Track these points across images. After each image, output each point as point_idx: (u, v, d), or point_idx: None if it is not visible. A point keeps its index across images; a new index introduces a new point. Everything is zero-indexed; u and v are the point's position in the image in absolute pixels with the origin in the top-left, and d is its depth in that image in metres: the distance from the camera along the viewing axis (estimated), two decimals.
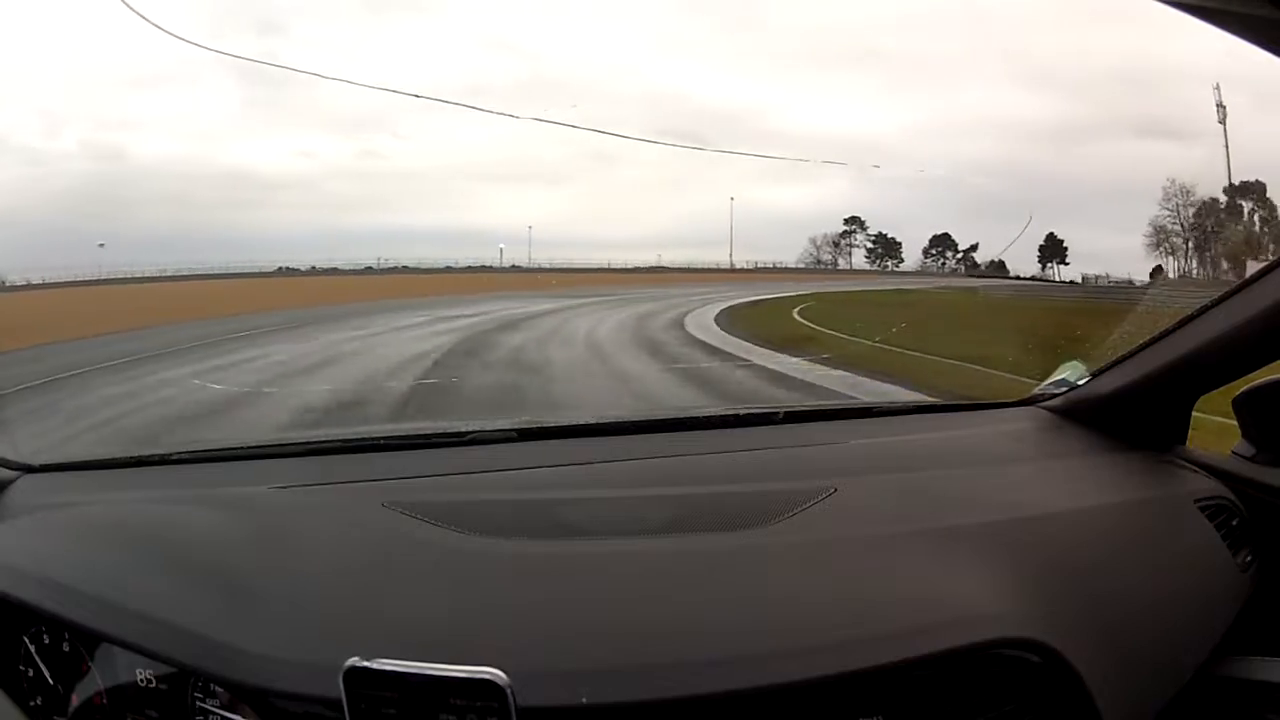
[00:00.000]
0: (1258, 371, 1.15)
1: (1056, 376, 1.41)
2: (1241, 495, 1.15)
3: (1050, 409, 1.36)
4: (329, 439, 1.48)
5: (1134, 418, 1.25)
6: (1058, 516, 1.01)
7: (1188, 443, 1.27)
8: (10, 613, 0.93)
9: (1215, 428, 1.34)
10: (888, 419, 1.47)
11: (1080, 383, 1.35)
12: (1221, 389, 1.20)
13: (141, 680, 0.86)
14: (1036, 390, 1.43)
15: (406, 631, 0.80)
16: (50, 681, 0.94)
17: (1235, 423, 1.23)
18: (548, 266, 15.63)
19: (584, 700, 0.72)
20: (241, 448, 1.37)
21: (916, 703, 0.79)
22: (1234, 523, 1.12)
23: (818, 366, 7.28)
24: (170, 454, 1.33)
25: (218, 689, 0.82)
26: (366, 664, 0.69)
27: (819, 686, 0.75)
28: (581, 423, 1.43)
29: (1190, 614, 0.98)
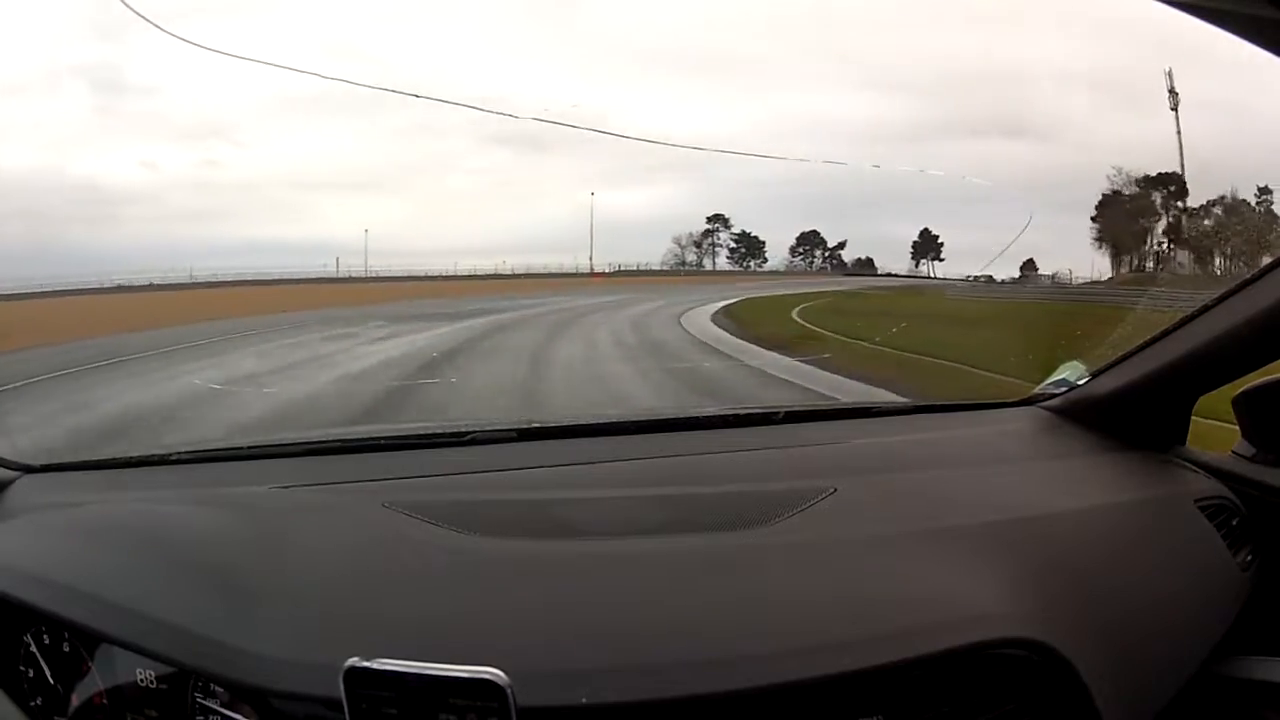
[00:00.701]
0: (1257, 371, 1.15)
1: (1056, 376, 1.41)
2: (1241, 495, 1.15)
3: (1050, 409, 1.36)
4: (329, 439, 1.48)
5: (1134, 418, 1.25)
6: (1058, 517, 1.01)
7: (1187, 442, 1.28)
8: (10, 613, 0.93)
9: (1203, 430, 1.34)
10: (888, 419, 1.47)
11: (1080, 383, 1.35)
12: (1221, 389, 1.20)
13: (141, 680, 0.86)
14: (1036, 390, 1.43)
15: (406, 631, 0.80)
16: (50, 681, 0.94)
17: (1228, 426, 1.23)
18: (385, 275, 14.69)
19: (584, 700, 0.72)
20: (241, 448, 1.37)
21: (916, 703, 0.79)
22: (1234, 522, 1.12)
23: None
24: (170, 454, 1.33)
25: (218, 689, 0.82)
26: (366, 664, 0.69)
27: (819, 686, 0.75)
28: (581, 423, 1.43)
29: (1190, 614, 0.98)
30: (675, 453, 1.23)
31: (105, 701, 0.89)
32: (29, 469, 1.28)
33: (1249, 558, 1.10)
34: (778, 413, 1.41)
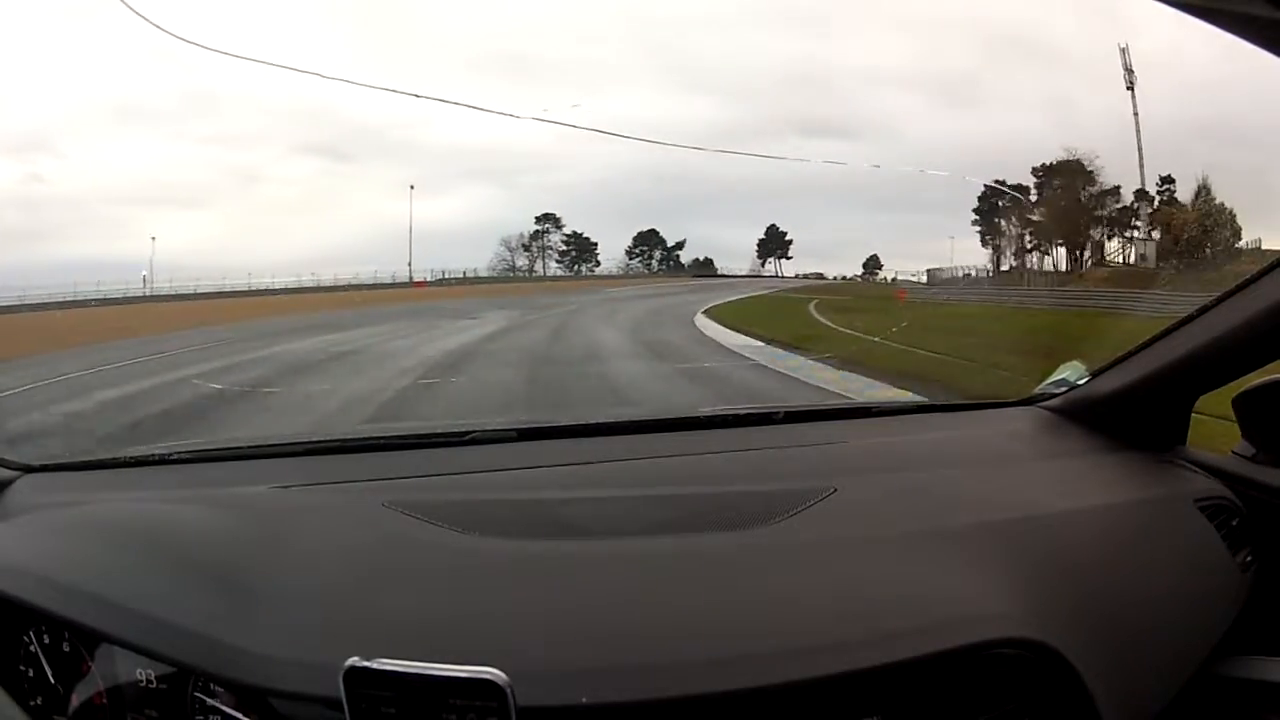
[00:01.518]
0: (1257, 371, 1.15)
1: (1056, 376, 1.41)
2: (1241, 495, 1.15)
3: (1050, 409, 1.36)
4: (329, 439, 1.48)
5: (1134, 418, 1.25)
6: (1058, 516, 1.01)
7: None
8: (10, 612, 0.93)
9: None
10: (888, 419, 1.47)
11: (1080, 383, 1.35)
12: (1221, 389, 1.20)
13: (141, 680, 0.86)
14: (1037, 390, 1.43)
15: (406, 631, 0.80)
16: (51, 681, 0.94)
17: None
18: (191, 292, 13.86)
19: (584, 700, 0.72)
20: (241, 447, 1.37)
21: (916, 703, 0.79)
22: (1234, 523, 1.11)
23: None
24: (170, 454, 1.33)
25: (218, 689, 0.82)
26: (366, 664, 0.69)
27: (819, 686, 0.75)
28: (581, 423, 1.43)
29: (1190, 614, 0.98)
30: (675, 453, 1.23)
31: (105, 701, 0.89)
32: (29, 469, 1.28)
33: (1249, 558, 1.10)
34: (778, 413, 1.41)
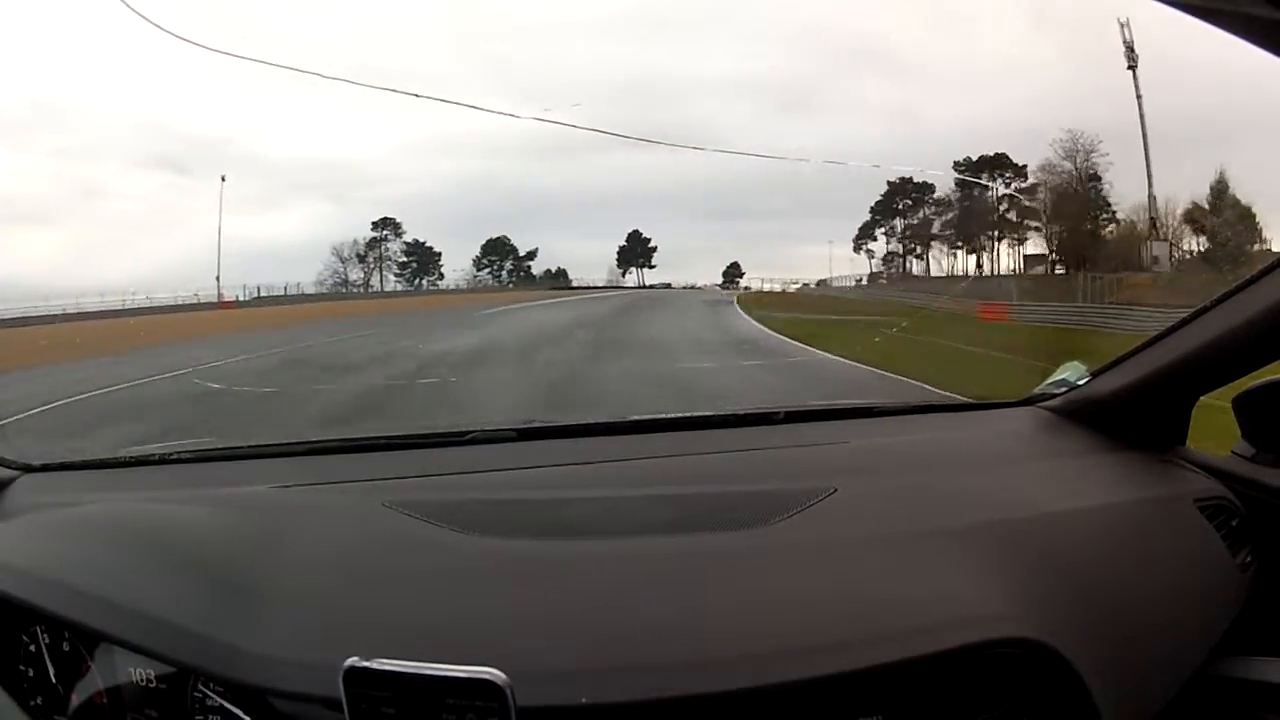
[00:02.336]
0: (1257, 371, 1.15)
1: (1056, 377, 1.41)
2: (1241, 495, 1.15)
3: (1050, 409, 1.36)
4: (329, 439, 1.48)
5: (1134, 418, 1.25)
6: (1058, 517, 1.01)
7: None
8: (10, 612, 0.93)
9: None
10: (888, 419, 1.47)
11: (1080, 383, 1.35)
12: (1221, 389, 1.20)
13: (141, 680, 0.86)
14: (1036, 390, 1.43)
15: (406, 631, 0.80)
16: (51, 680, 0.94)
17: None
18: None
19: (583, 700, 0.72)
20: (241, 447, 1.37)
21: (916, 702, 0.79)
22: (1234, 523, 1.11)
23: None
24: (170, 454, 1.33)
25: (217, 688, 0.82)
26: (366, 664, 0.69)
27: (819, 686, 0.75)
28: (581, 423, 1.43)
29: (1190, 614, 0.98)
30: (675, 453, 1.23)
31: (105, 701, 0.89)
32: (29, 468, 1.28)
33: (1248, 558, 1.10)
34: (778, 413, 1.41)
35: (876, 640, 0.78)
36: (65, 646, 0.93)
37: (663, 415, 1.51)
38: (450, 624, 0.81)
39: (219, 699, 0.82)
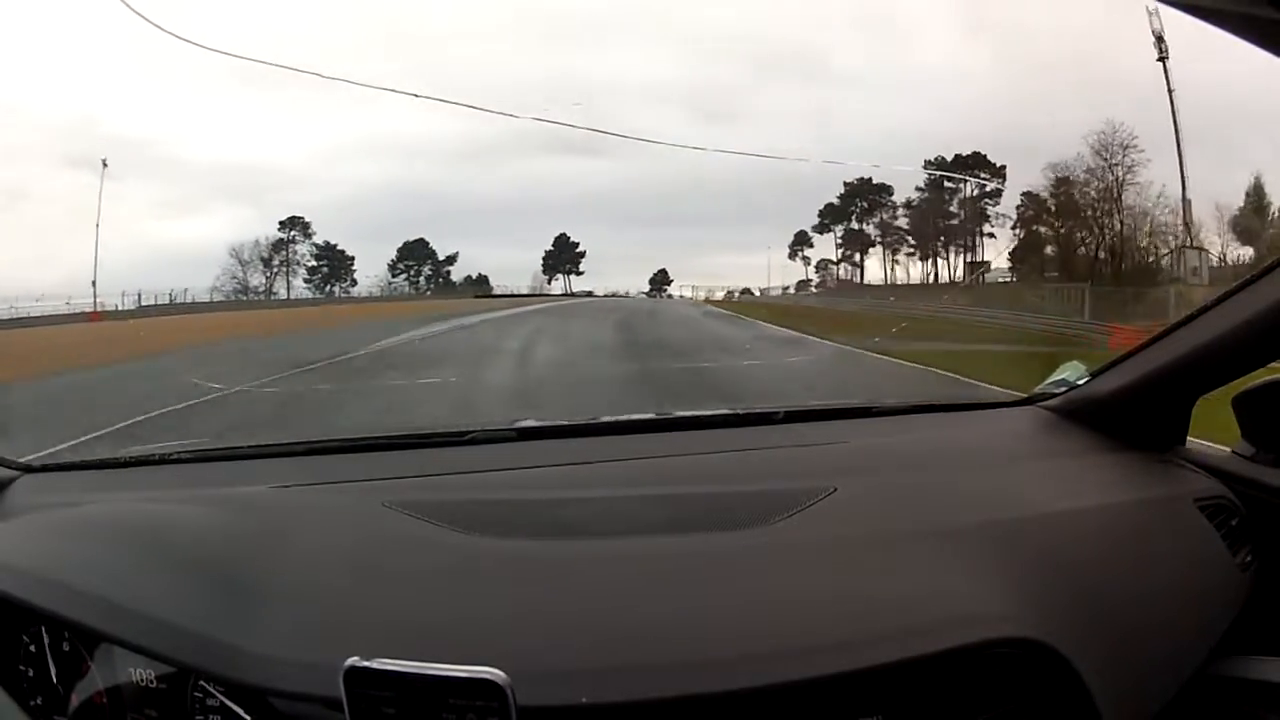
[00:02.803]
0: (1257, 371, 1.15)
1: (1056, 376, 1.41)
2: (1241, 495, 1.15)
3: (1050, 409, 1.36)
4: (329, 439, 1.48)
5: (1134, 418, 1.25)
6: (1057, 516, 1.01)
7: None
8: (10, 612, 0.93)
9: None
10: (888, 419, 1.47)
11: (1080, 383, 1.35)
12: (1221, 389, 1.20)
13: (141, 680, 0.86)
14: (1036, 390, 1.43)
15: (406, 631, 0.80)
16: (51, 681, 0.94)
17: None
18: None
19: (584, 700, 0.72)
20: (241, 447, 1.37)
21: (916, 702, 0.79)
22: (1233, 522, 1.11)
23: None
24: (170, 454, 1.33)
25: (217, 688, 0.82)
26: (366, 664, 0.69)
27: (819, 686, 0.75)
28: (581, 423, 1.42)
29: (1190, 613, 0.98)
30: (675, 452, 1.23)
31: (105, 701, 0.89)
32: (29, 469, 1.28)
33: (1248, 558, 1.10)
34: (778, 413, 1.41)
35: (876, 640, 0.78)
36: (65, 646, 0.93)
37: (662, 415, 1.51)
38: (450, 624, 0.81)
39: (219, 699, 0.82)
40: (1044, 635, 0.81)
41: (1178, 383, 1.22)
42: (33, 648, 0.96)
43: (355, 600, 0.85)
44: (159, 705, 0.85)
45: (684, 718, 0.74)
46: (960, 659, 0.79)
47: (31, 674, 0.96)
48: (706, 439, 1.33)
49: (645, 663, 0.75)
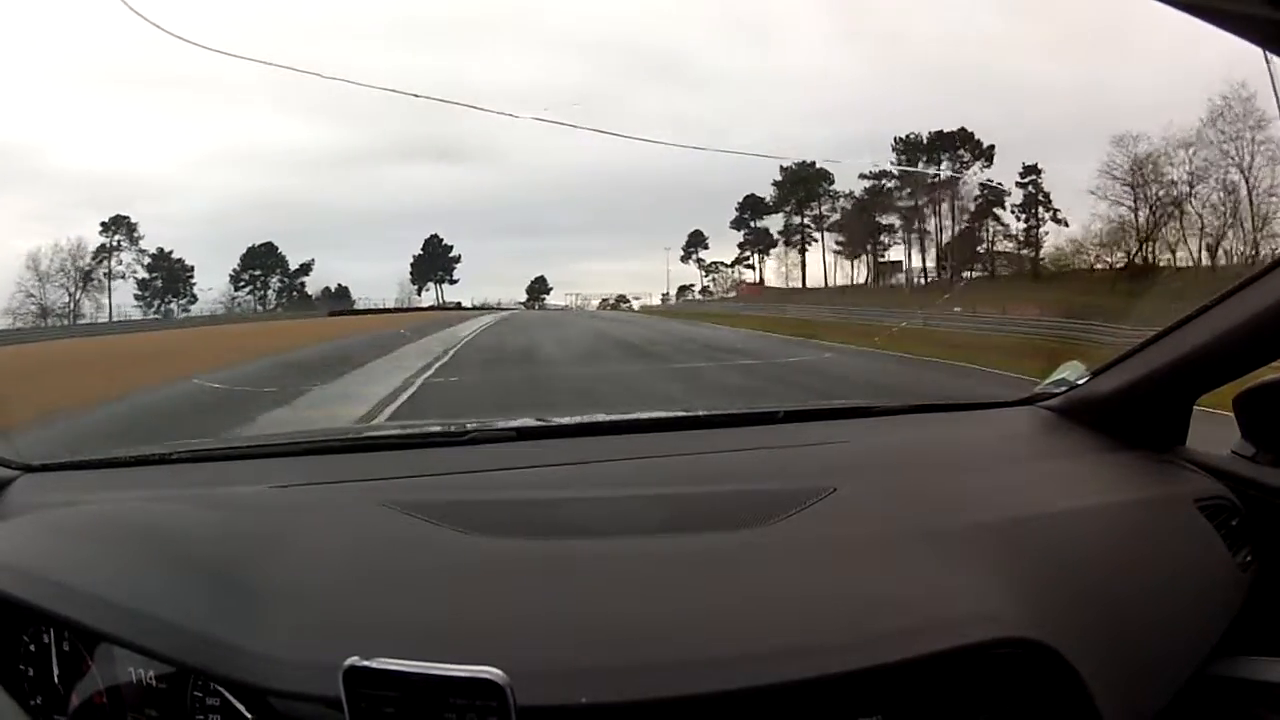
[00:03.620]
0: (1257, 371, 1.15)
1: (1056, 376, 1.41)
2: (1241, 495, 1.15)
3: (1050, 408, 1.36)
4: (329, 438, 1.48)
5: (1134, 417, 1.25)
6: (1057, 516, 1.01)
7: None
8: (10, 611, 0.93)
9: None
10: (887, 419, 1.47)
11: (1080, 382, 1.35)
12: (1221, 389, 1.20)
13: (141, 679, 0.86)
14: (1036, 390, 1.43)
15: (406, 631, 0.80)
16: (51, 680, 0.94)
17: None
18: None
19: (584, 700, 0.72)
20: (241, 447, 1.37)
21: (916, 702, 0.79)
22: (1233, 522, 1.11)
23: None
24: (170, 453, 1.33)
25: (217, 688, 0.82)
26: (366, 663, 0.69)
27: (818, 686, 0.75)
28: (581, 422, 1.43)
29: (1189, 614, 0.98)
30: (675, 452, 1.23)
31: (105, 701, 0.89)
32: (29, 468, 1.28)
33: (1248, 558, 1.10)
34: (778, 412, 1.41)
35: (876, 640, 0.78)
36: (65, 646, 0.93)
37: (662, 415, 1.51)
38: (450, 623, 0.81)
39: (219, 699, 0.82)
40: (1044, 635, 0.81)
41: (1178, 382, 1.22)
42: (33, 648, 0.96)
43: (355, 600, 0.85)
44: (159, 705, 0.85)
45: (684, 717, 0.74)
46: (960, 659, 0.79)
47: (31, 674, 0.96)
48: (706, 439, 1.33)
49: (645, 662, 0.75)
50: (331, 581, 0.88)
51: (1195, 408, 1.26)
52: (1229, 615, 1.01)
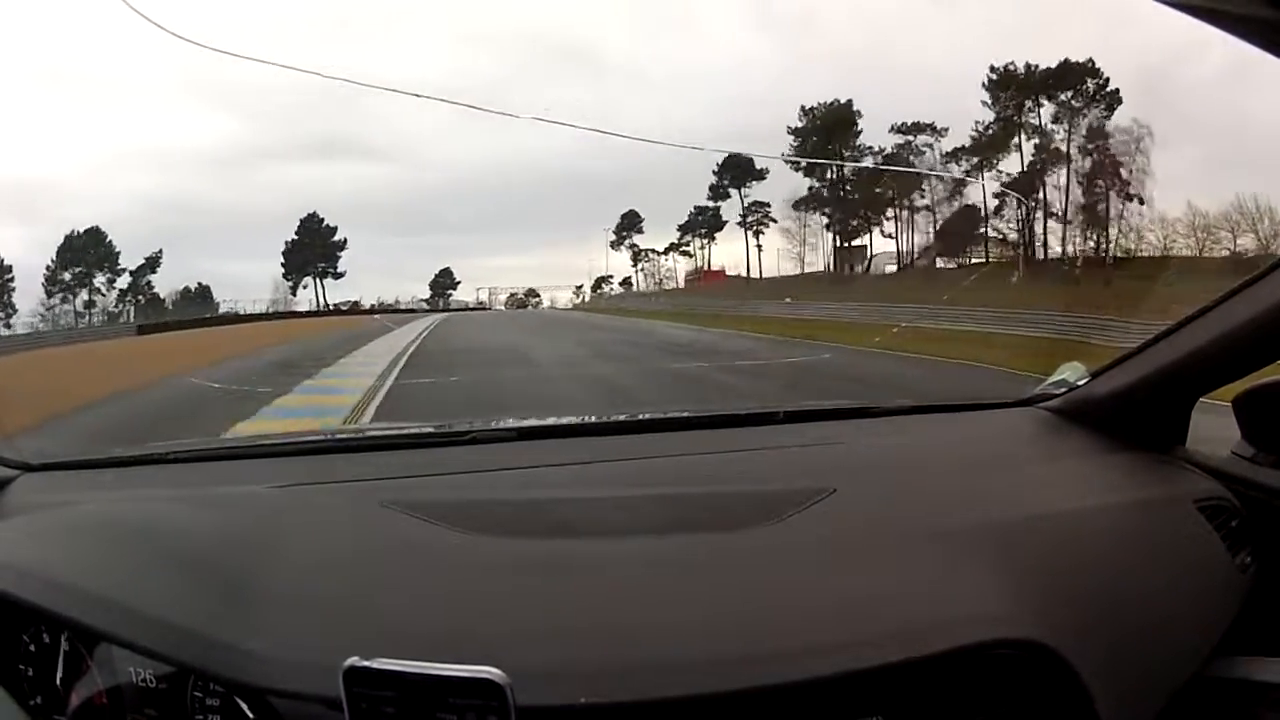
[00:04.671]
0: (1257, 372, 1.15)
1: (1056, 377, 1.41)
2: (1241, 496, 1.15)
3: (1050, 409, 1.36)
4: (328, 438, 1.49)
5: (1134, 418, 1.25)
6: (1057, 517, 1.01)
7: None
8: (10, 611, 0.93)
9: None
10: (887, 419, 1.47)
11: (1080, 383, 1.35)
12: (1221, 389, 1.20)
13: (141, 679, 0.86)
14: (1036, 390, 1.43)
15: (406, 631, 0.80)
16: (50, 680, 0.94)
17: None
18: None
19: (583, 700, 0.72)
20: (241, 446, 1.37)
21: (916, 703, 0.79)
22: (1233, 523, 1.11)
23: None
24: (169, 453, 1.33)
25: (217, 688, 0.82)
26: (366, 663, 0.69)
27: (818, 686, 0.75)
28: (581, 422, 1.43)
29: (1189, 614, 0.98)
30: (675, 452, 1.23)
31: (105, 701, 0.89)
32: (29, 467, 1.28)
33: (1248, 559, 1.10)
34: (777, 413, 1.41)
35: (876, 641, 0.78)
36: (65, 646, 0.93)
37: (662, 415, 1.51)
38: (450, 623, 0.81)
39: (219, 699, 0.82)
40: (1043, 636, 0.81)
41: (1178, 383, 1.22)
42: (33, 647, 0.96)
43: (355, 600, 0.85)
44: (159, 705, 0.85)
45: (683, 718, 0.74)
46: (959, 660, 0.79)
47: (31, 673, 0.96)
48: (706, 439, 1.33)
49: (645, 663, 0.75)
50: (331, 581, 0.88)
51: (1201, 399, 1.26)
52: (1228, 616, 1.01)
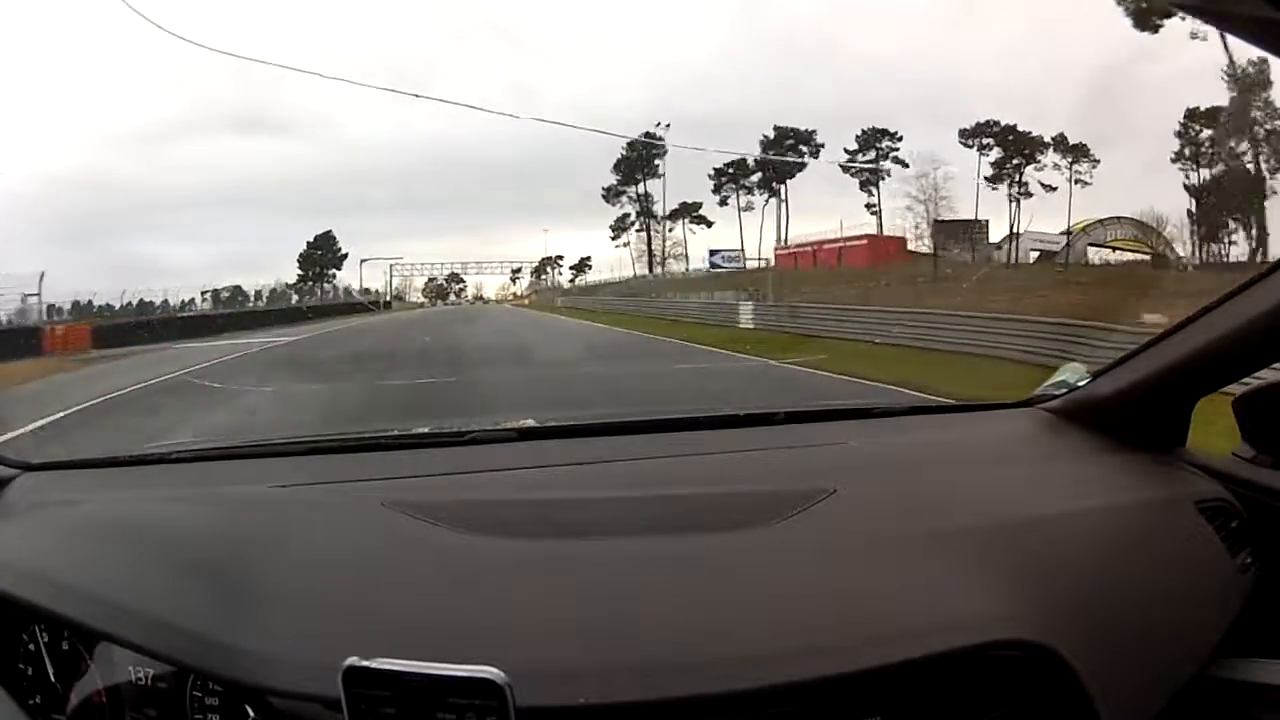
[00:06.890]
0: (1258, 373, 1.15)
1: (1057, 378, 1.41)
2: (1241, 497, 1.15)
3: (1050, 410, 1.36)
4: (329, 438, 1.48)
5: (1134, 419, 1.25)
6: (1057, 518, 1.01)
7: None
8: (10, 610, 0.93)
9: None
10: (888, 419, 1.47)
11: (1080, 384, 1.35)
12: (1221, 390, 1.20)
13: (140, 679, 0.86)
14: (1037, 391, 1.43)
15: (406, 631, 0.80)
16: (50, 679, 0.94)
17: None
18: None
19: (583, 700, 0.72)
20: (241, 446, 1.37)
21: (916, 703, 0.79)
22: (1233, 524, 1.11)
23: None
24: (170, 453, 1.33)
25: (217, 688, 0.82)
26: (365, 663, 0.69)
27: (818, 687, 0.75)
28: (581, 423, 1.43)
29: (1190, 616, 0.98)
30: (675, 453, 1.23)
31: (104, 700, 0.89)
32: (28, 467, 1.28)
33: (1248, 560, 1.10)
34: (778, 413, 1.41)
35: (876, 641, 0.78)
36: (65, 646, 0.93)
37: (663, 416, 1.51)
38: (450, 623, 0.81)
39: (218, 699, 0.82)
40: (1043, 637, 0.81)
41: (1178, 384, 1.21)
42: (32, 647, 0.96)
43: (354, 600, 0.85)
44: (158, 705, 0.85)
45: (684, 718, 0.74)
46: (960, 661, 0.79)
47: (31, 673, 0.96)
48: (706, 439, 1.33)
49: (645, 663, 0.75)
50: (331, 581, 0.88)
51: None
52: (1229, 617, 1.01)
